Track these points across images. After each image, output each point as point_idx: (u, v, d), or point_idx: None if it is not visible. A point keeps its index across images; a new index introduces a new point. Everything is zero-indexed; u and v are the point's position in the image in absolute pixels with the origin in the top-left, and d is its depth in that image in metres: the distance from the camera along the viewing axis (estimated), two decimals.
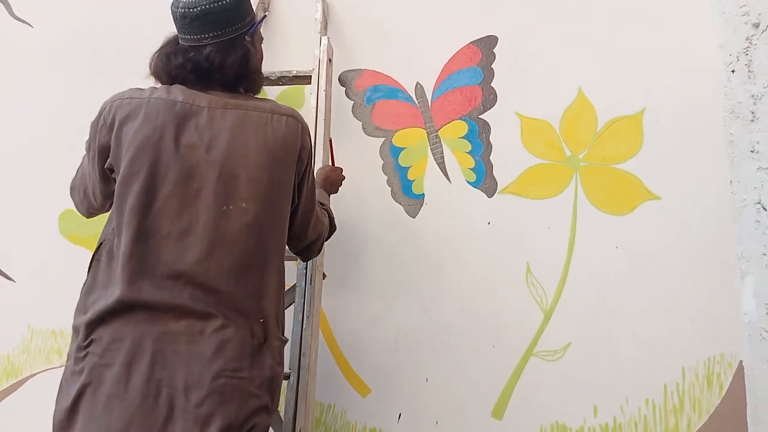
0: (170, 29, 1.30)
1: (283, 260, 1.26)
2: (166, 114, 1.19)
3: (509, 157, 1.89)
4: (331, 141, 1.76)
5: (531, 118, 1.91)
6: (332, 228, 1.53)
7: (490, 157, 1.90)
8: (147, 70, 1.31)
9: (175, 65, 1.25)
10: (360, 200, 1.93)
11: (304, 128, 1.30)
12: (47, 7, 2.23)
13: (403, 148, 1.96)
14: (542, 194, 1.86)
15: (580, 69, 1.90)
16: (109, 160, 1.20)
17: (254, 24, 1.30)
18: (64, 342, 2.00)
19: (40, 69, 2.19)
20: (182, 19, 1.24)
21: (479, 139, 1.93)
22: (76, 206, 1.40)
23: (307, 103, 1.99)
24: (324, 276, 1.66)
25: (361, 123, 2.00)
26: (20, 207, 2.12)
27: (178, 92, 1.22)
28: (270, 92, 2.05)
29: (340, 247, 1.90)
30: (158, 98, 1.21)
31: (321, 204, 1.50)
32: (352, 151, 1.96)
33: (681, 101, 1.83)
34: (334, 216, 1.56)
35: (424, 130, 1.96)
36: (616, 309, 1.75)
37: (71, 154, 2.12)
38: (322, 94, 1.80)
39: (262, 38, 1.41)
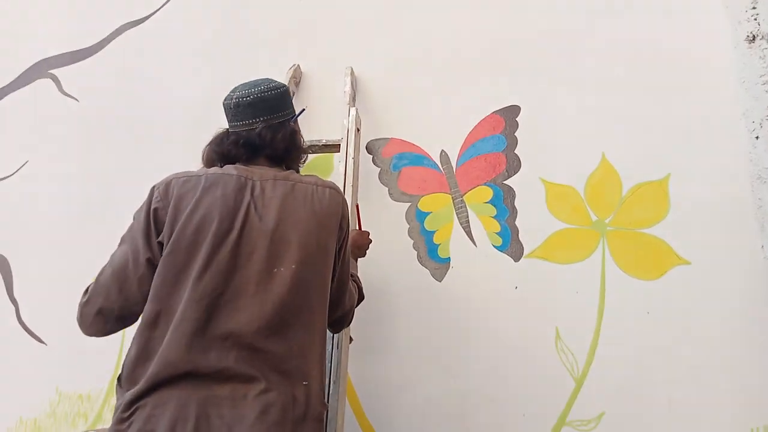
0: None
1: (326, 324, 1.29)
2: (224, 186, 1.27)
3: (535, 221, 1.90)
4: (357, 207, 1.80)
5: (555, 183, 1.93)
6: (361, 297, 1.56)
7: (516, 222, 1.92)
8: (200, 160, 1.41)
9: (227, 143, 1.37)
10: (386, 264, 1.95)
11: (344, 200, 1.40)
12: (93, 83, 2.38)
13: (429, 213, 1.99)
14: (569, 258, 1.85)
15: (603, 136, 1.94)
16: (163, 234, 1.24)
17: (297, 114, 1.46)
18: (89, 406, 2.00)
19: (86, 141, 2.31)
20: (236, 108, 1.37)
21: (504, 204, 1.95)
22: (97, 312, 1.23)
23: (336, 170, 2.05)
24: (351, 340, 1.65)
25: (387, 189, 2.04)
26: (54, 271, 2.18)
27: (232, 168, 1.32)
28: None
29: (366, 311, 1.89)
30: (214, 173, 1.30)
31: (351, 274, 1.51)
32: (379, 216, 1.99)
33: (707, 167, 1.84)
34: (362, 284, 1.59)
35: (450, 195, 1.99)
36: (651, 377, 1.69)
37: (105, 223, 2.20)
38: (350, 161, 1.86)
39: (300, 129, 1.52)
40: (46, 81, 2.43)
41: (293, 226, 1.26)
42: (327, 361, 1.55)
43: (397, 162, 2.06)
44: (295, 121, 1.45)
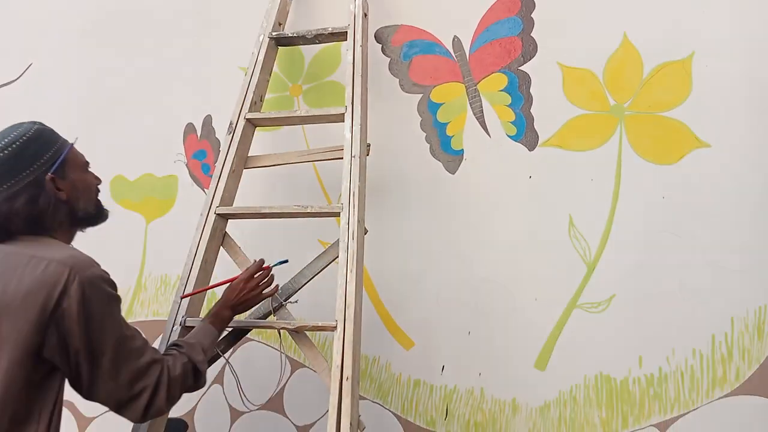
0: None
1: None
2: None
3: (551, 108, 1.85)
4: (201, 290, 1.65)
5: (573, 67, 1.85)
6: (197, 379, 1.33)
7: (531, 110, 1.87)
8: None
9: None
10: (398, 158, 1.94)
11: (76, 277, 1.15)
12: None
13: (441, 104, 1.94)
14: (585, 146, 1.82)
15: (625, 14, 1.82)
16: None
17: (57, 159, 1.27)
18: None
19: (89, 39, 2.25)
20: None
21: (519, 91, 1.89)
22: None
23: (343, 60, 1.99)
24: (366, 231, 1.69)
25: (398, 80, 1.98)
26: None
27: None
28: (307, 51, 2.05)
29: (380, 205, 1.92)
30: None
31: (178, 347, 1.34)
32: (390, 109, 1.95)
33: (733, 44, 1.74)
34: (200, 356, 1.34)
35: (463, 85, 1.93)
36: (663, 260, 1.71)
37: (114, 123, 2.20)
38: (358, 49, 1.79)
39: (86, 163, 1.37)
40: None
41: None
42: (343, 252, 1.58)
43: (408, 50, 1.99)
44: (58, 167, 1.25)
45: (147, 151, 2.16)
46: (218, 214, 1.72)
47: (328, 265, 1.66)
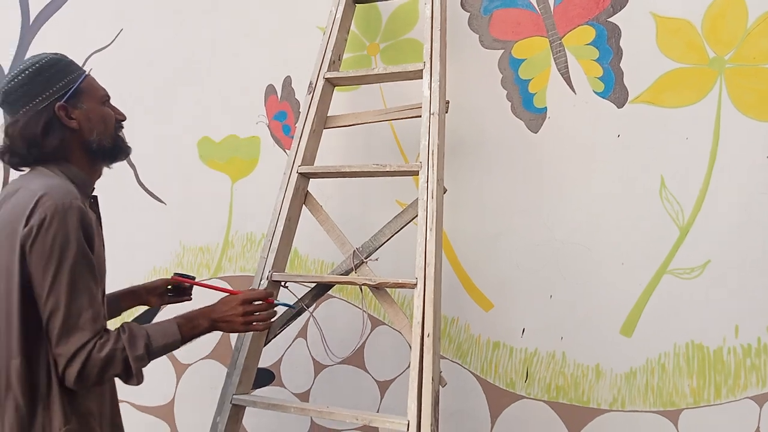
0: None
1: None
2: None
3: (642, 62, 1.74)
4: (193, 279, 1.59)
5: (668, 17, 1.73)
6: (127, 373, 1.21)
7: (621, 64, 1.76)
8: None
9: None
10: (478, 116, 1.89)
11: (40, 206, 1.15)
12: None
13: (524, 60, 1.87)
14: (680, 102, 1.70)
15: None
16: None
17: (71, 88, 1.27)
18: (210, 257, 2.22)
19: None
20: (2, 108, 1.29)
21: (608, 44, 1.79)
22: None
23: (421, 16, 1.95)
24: (445, 190, 1.67)
25: (478, 35, 1.92)
26: (164, 138, 2.32)
27: None
28: (384, 8, 2.02)
29: (459, 165, 1.89)
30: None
31: (123, 331, 1.22)
32: (469, 66, 1.90)
33: None
34: (138, 352, 1.21)
35: (547, 39, 1.85)
36: (764, 224, 1.60)
37: (203, 84, 2.27)
38: (436, 4, 1.74)
39: (105, 96, 1.37)
40: None
41: None
42: (423, 210, 1.57)
43: (489, 4, 1.91)
44: (70, 96, 1.26)
45: (230, 112, 2.22)
46: (300, 174, 1.76)
47: (407, 224, 1.67)
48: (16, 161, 1.28)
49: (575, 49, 1.82)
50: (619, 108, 1.76)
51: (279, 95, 2.16)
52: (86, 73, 1.33)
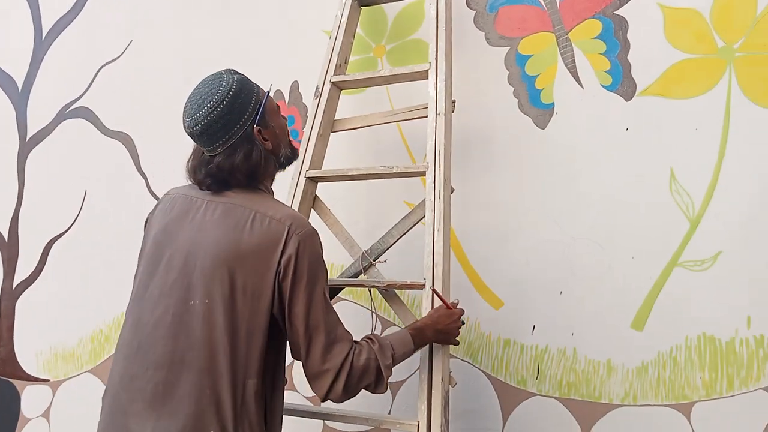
0: None
1: (238, 370, 1.17)
2: (179, 208, 1.28)
3: (650, 54, 1.72)
4: (434, 290, 1.52)
5: (676, 8, 1.71)
6: (378, 381, 1.26)
7: (628, 57, 1.75)
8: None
9: (199, 180, 1.32)
10: (486, 114, 1.89)
11: (294, 235, 1.19)
12: None
13: (530, 56, 1.86)
14: (689, 93, 1.69)
15: None
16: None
17: (258, 109, 1.28)
18: None
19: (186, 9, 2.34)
20: (192, 138, 1.31)
21: (615, 37, 1.77)
22: None
23: (426, 16, 1.95)
24: (452, 190, 1.67)
25: (483, 33, 1.92)
26: (175, 147, 2.35)
27: (188, 188, 1.34)
28: (389, 10, 2.03)
29: (468, 163, 1.89)
30: (178, 194, 1.31)
31: (371, 340, 1.29)
32: (476, 64, 1.90)
33: None
34: (387, 361, 1.27)
35: (553, 34, 1.84)
36: None
37: None
38: (441, 3, 1.74)
39: (277, 106, 1.39)
40: None
41: (202, 252, 1.19)
42: (430, 211, 1.58)
43: (494, 2, 1.91)
44: (262, 115, 1.28)
45: None
46: (308, 178, 1.77)
47: (415, 224, 1.68)
48: (221, 188, 1.29)
49: (582, 43, 1.80)
50: (627, 101, 1.75)
51: (287, 100, 2.18)
52: (267, 92, 1.33)
